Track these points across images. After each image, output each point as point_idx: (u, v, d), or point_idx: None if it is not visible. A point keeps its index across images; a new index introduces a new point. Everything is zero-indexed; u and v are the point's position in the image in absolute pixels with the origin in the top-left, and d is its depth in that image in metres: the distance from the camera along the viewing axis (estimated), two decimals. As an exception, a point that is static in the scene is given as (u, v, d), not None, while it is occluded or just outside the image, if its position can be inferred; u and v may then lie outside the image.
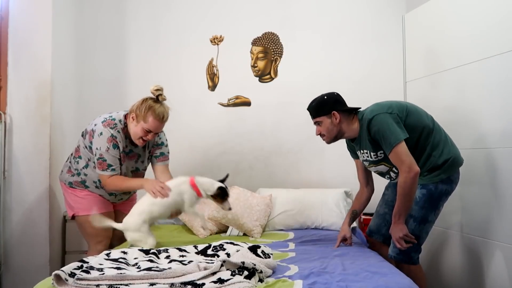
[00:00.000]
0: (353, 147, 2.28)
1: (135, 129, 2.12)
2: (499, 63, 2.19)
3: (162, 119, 2.11)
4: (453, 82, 2.54)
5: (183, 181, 2.13)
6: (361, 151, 2.18)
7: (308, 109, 2.21)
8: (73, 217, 2.32)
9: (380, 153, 2.08)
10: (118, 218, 2.39)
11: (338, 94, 2.19)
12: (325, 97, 2.16)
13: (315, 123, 2.20)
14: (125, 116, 2.18)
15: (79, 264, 1.61)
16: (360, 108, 2.19)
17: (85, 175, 2.25)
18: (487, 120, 2.27)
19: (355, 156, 2.33)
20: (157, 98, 2.13)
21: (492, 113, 2.24)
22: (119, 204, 2.42)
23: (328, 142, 2.22)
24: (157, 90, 2.13)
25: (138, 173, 2.33)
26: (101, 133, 2.10)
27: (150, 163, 2.37)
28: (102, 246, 2.26)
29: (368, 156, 2.14)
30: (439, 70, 2.67)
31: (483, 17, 2.32)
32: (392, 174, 2.15)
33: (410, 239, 2.00)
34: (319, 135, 2.21)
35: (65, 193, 2.33)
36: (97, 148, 2.10)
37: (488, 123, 2.26)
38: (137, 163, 2.30)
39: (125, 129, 2.17)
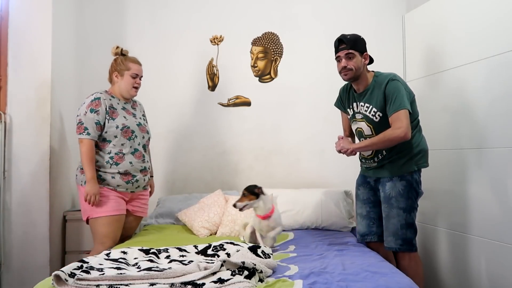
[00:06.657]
0: (345, 98, 2.33)
1: (125, 82, 2.38)
2: (499, 63, 2.19)
3: (139, 61, 2.45)
4: (453, 82, 2.54)
5: None
6: (361, 103, 2.21)
7: (341, 38, 2.15)
8: (87, 221, 2.33)
9: (379, 115, 2.14)
10: (127, 218, 2.41)
11: None
12: (361, 36, 2.20)
13: (345, 55, 2.14)
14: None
15: (79, 264, 1.62)
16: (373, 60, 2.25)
17: (96, 161, 2.29)
18: (486, 120, 2.27)
19: (341, 107, 2.40)
20: (122, 53, 2.42)
21: (491, 113, 2.24)
22: (130, 202, 2.42)
23: (348, 79, 2.20)
24: (117, 47, 2.41)
25: (142, 127, 2.44)
26: (83, 103, 2.32)
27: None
28: (104, 248, 2.23)
29: (366, 111, 2.18)
30: (439, 70, 2.67)
31: (483, 16, 2.31)
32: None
33: (345, 151, 2.13)
34: (342, 69, 2.16)
35: (82, 196, 2.29)
36: (77, 115, 2.29)
37: (487, 123, 2.26)
38: (136, 119, 2.43)
39: (109, 91, 2.42)
